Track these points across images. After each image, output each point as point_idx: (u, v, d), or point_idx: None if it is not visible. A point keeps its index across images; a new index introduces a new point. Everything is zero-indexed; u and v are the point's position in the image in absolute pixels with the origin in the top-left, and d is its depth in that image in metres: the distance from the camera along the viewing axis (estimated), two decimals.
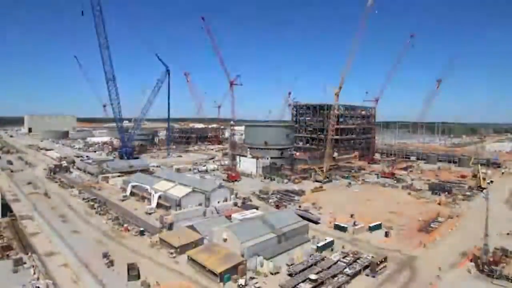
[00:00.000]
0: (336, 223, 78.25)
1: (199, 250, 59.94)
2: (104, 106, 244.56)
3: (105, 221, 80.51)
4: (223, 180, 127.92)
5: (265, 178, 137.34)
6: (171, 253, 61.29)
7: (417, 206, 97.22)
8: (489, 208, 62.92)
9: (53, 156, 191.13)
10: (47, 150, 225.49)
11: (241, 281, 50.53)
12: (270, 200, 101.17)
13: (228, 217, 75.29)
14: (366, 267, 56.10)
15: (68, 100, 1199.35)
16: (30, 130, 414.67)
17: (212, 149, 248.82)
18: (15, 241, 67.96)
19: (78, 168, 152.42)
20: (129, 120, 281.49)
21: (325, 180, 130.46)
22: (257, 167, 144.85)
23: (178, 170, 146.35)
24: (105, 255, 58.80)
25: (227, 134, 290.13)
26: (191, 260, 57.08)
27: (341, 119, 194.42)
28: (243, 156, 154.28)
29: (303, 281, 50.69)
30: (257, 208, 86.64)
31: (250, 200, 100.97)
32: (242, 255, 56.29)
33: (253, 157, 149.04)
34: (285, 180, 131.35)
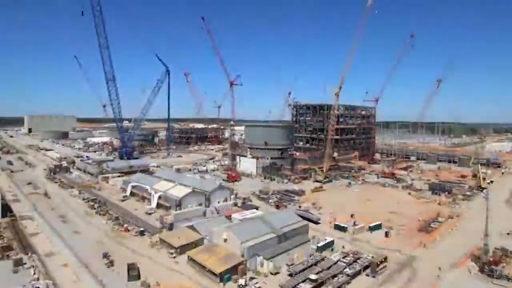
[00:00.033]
0: (336, 223, 78.24)
1: (199, 250, 59.94)
2: (104, 106, 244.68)
3: (105, 221, 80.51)
4: (223, 180, 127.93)
5: (265, 178, 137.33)
6: (171, 253, 61.28)
7: (417, 206, 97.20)
8: (489, 208, 62.81)
9: (53, 157, 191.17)
10: (47, 150, 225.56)
11: (241, 281, 50.55)
12: (270, 200, 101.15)
13: (228, 217, 75.28)
14: (366, 267, 56.10)
15: (68, 100, 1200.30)
16: (30, 130, 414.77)
17: (212, 149, 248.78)
18: (15, 241, 67.97)
19: (78, 168, 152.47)
20: (129, 120, 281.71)
21: (325, 180, 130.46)
22: (257, 167, 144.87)
23: (178, 170, 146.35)
24: (105, 255, 58.82)
25: (227, 134, 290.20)
26: (191, 260, 57.08)
27: (341, 119, 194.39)
28: (243, 156, 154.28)
29: (303, 281, 50.68)
30: (257, 208, 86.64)
31: (250, 200, 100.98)
32: (242, 255, 56.32)
33: (253, 157, 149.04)
34: (285, 180, 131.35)
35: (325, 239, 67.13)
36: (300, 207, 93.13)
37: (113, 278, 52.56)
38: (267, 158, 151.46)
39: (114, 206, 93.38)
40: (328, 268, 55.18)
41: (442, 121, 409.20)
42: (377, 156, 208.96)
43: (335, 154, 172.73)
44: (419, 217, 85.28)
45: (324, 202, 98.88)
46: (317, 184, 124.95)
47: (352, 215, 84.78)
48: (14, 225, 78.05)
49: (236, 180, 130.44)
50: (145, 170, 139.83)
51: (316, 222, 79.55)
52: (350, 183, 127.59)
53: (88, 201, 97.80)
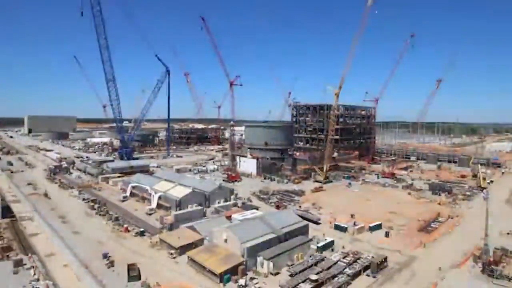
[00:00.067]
0: (336, 223, 78.22)
1: (199, 250, 59.92)
2: (104, 106, 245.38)
3: (105, 222, 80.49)
4: (223, 180, 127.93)
5: (265, 178, 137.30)
6: (171, 254, 61.27)
7: (417, 206, 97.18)
8: (489, 208, 62.79)
9: (53, 157, 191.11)
10: (47, 150, 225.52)
11: (241, 282, 50.54)
12: (270, 201, 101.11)
13: (228, 218, 75.26)
14: (366, 267, 56.08)
15: (68, 101, 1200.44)
16: (30, 130, 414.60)
17: (212, 150, 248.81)
18: (15, 242, 68.10)
19: (78, 169, 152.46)
20: (129, 120, 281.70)
21: (325, 180, 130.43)
22: (257, 168, 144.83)
23: (178, 170, 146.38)
24: (105, 256, 58.82)
25: (227, 135, 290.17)
26: (191, 260, 57.06)
27: (341, 119, 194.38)
28: (243, 156, 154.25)
29: (303, 281, 50.66)
30: (257, 208, 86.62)
31: (250, 201, 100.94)
32: (242, 256, 56.29)
33: (253, 158, 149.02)
34: (285, 181, 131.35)
35: (325, 239, 67.10)
36: (300, 207, 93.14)
37: (113, 279, 52.53)
38: (267, 158, 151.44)
39: (114, 206, 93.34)
40: (328, 268, 55.16)
41: (442, 121, 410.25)
42: (377, 156, 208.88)
43: (335, 154, 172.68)
44: (419, 217, 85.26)
45: (324, 202, 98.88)
46: (317, 184, 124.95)
47: (352, 215, 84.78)
48: (14, 226, 78.18)
49: (236, 181, 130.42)
50: (145, 171, 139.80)
51: (316, 222, 79.51)
52: (350, 183, 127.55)
53: (88, 201, 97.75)
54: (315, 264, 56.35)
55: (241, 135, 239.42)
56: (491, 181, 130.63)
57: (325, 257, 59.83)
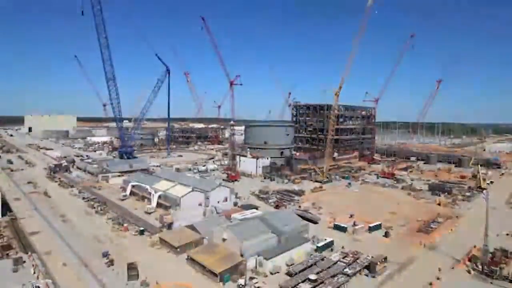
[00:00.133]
0: (336, 223, 78.25)
1: (199, 250, 59.99)
2: (104, 105, 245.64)
3: (105, 221, 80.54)
4: (223, 180, 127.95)
5: (265, 178, 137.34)
6: (171, 253, 61.23)
7: (417, 207, 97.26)
8: (488, 209, 62.79)
9: (53, 156, 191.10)
10: (47, 149, 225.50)
11: (241, 281, 50.52)
12: (270, 200, 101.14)
13: (228, 217, 75.29)
14: (366, 267, 56.13)
15: (68, 100, 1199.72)
16: (30, 129, 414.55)
17: (212, 149, 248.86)
18: (15, 240, 68.05)
19: (78, 168, 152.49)
20: (129, 119, 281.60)
21: (325, 180, 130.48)
22: (257, 167, 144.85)
23: (178, 170, 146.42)
24: (105, 255, 58.84)
25: (227, 134, 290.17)
26: (191, 260, 57.09)
27: (341, 119, 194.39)
28: (243, 156, 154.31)
29: (302, 281, 50.70)
30: (257, 208, 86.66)
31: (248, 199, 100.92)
32: (242, 255, 56.33)
33: (253, 157, 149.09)
34: (285, 180, 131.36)
35: (325, 239, 67.09)
36: (300, 207, 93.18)
37: (112, 278, 52.57)
38: (267, 158, 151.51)
39: (114, 205, 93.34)
40: (328, 268, 55.20)
41: (442, 122, 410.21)
42: (377, 156, 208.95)
43: (335, 154, 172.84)
44: (419, 217, 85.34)
45: (323, 202, 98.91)
46: (317, 184, 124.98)
47: (351, 215, 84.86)
48: (14, 224, 78.15)
49: (236, 180, 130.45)
50: (145, 170, 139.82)
51: (316, 222, 79.53)
52: (350, 183, 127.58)
53: (88, 200, 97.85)
54: (315, 264, 56.37)
55: (241, 134, 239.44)
56: (491, 182, 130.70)
57: (325, 257, 59.86)
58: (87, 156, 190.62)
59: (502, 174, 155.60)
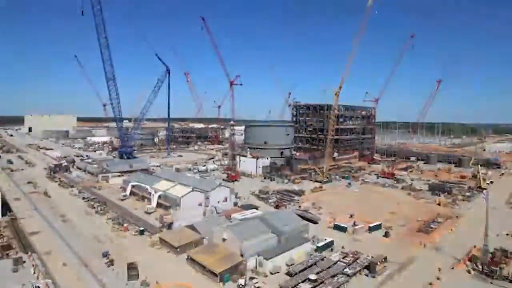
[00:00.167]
0: (336, 223, 78.25)
1: (199, 250, 59.99)
2: (104, 105, 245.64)
3: (105, 221, 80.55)
4: (223, 180, 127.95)
5: (265, 178, 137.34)
6: (171, 253, 61.23)
7: (417, 207, 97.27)
8: (488, 209, 62.81)
9: (53, 156, 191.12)
10: (47, 149, 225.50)
11: (241, 281, 50.52)
12: (270, 200, 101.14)
13: (228, 217, 75.29)
14: (366, 267, 56.14)
15: (68, 100, 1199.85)
16: (30, 129, 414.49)
17: (212, 149, 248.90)
18: (15, 240, 68.07)
19: (78, 168, 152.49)
20: (129, 119, 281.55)
21: (325, 180, 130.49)
22: (257, 167, 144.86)
23: (178, 170, 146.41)
24: (105, 255, 58.84)
25: (227, 134, 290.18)
26: (191, 260, 57.09)
27: (341, 119, 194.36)
28: (243, 156, 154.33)
29: (302, 281, 50.70)
30: (257, 208, 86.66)
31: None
32: (242, 255, 56.32)
33: (253, 157, 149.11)
34: (285, 180, 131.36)
35: (325, 239, 67.09)
36: (300, 207, 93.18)
37: (112, 278, 52.58)
38: (267, 158, 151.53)
39: (114, 205, 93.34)
40: (328, 268, 55.21)
41: (442, 122, 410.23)
42: (377, 156, 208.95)
43: (335, 154, 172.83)
44: (419, 217, 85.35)
45: (324, 202, 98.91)
46: (317, 184, 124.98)
47: (351, 215, 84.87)
48: (14, 224, 78.16)
49: (236, 180, 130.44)
50: (145, 170, 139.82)
51: (316, 222, 79.54)
52: (350, 183, 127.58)
53: (88, 200, 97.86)
54: (315, 264, 56.38)
55: (241, 134, 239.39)
56: (491, 182, 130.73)
57: (325, 257, 59.87)
58: (87, 156, 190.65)
59: (502, 174, 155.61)
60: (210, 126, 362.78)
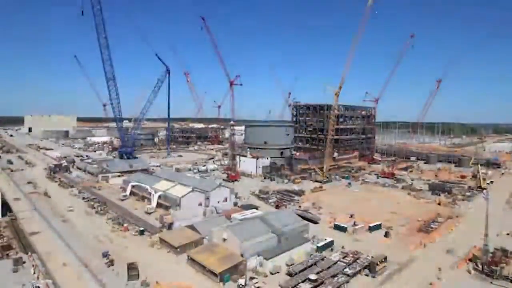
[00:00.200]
0: (336, 223, 78.26)
1: (199, 250, 59.97)
2: (104, 105, 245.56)
3: (105, 221, 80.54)
4: (223, 180, 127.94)
5: (265, 178, 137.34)
6: (171, 253, 61.20)
7: (417, 206, 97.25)
8: (489, 209, 62.82)
9: (53, 156, 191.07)
10: (47, 149, 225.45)
11: (241, 281, 50.50)
12: (270, 200, 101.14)
13: (228, 217, 75.29)
14: (366, 267, 56.12)
15: (68, 100, 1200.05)
16: (30, 129, 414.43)
17: (212, 149, 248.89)
18: (15, 240, 68.08)
19: (78, 168, 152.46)
20: (129, 119, 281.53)
21: (325, 180, 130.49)
22: (257, 167, 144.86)
23: (178, 170, 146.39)
24: (105, 255, 58.82)
25: (227, 134, 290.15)
26: (191, 260, 57.09)
27: (341, 119, 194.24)
28: (243, 156, 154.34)
29: (303, 281, 50.69)
30: (257, 208, 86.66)
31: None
32: (242, 255, 56.31)
33: (253, 157, 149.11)
34: (285, 180, 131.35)
35: (325, 239, 67.09)
36: (300, 207, 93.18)
37: (113, 278, 52.56)
38: (267, 158, 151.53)
39: (114, 205, 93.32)
40: (328, 268, 55.21)
41: (442, 121, 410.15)
42: (377, 156, 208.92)
43: (335, 154, 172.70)
44: (419, 217, 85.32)
45: (324, 202, 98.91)
46: (317, 184, 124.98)
47: (351, 215, 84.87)
48: (14, 224, 78.16)
49: (236, 180, 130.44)
50: (145, 170, 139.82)
51: (316, 222, 79.54)
52: (350, 183, 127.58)
53: (88, 200, 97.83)
54: (315, 264, 56.37)
55: (241, 134, 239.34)
56: (491, 182, 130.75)
57: (325, 257, 59.87)
58: (87, 156, 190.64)
59: (502, 173, 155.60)
60: (210, 126, 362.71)
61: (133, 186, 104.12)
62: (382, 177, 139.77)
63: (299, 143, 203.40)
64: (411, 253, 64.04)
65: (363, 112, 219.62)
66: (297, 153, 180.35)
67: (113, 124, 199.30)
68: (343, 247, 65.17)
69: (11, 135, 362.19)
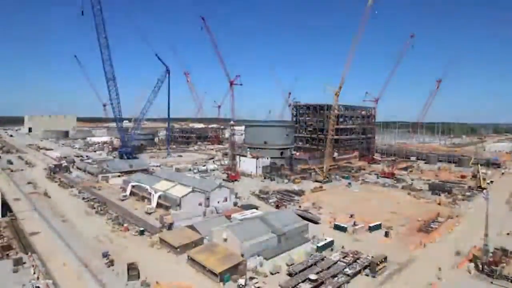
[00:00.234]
0: (336, 223, 78.26)
1: (199, 250, 59.96)
2: (104, 105, 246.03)
3: (105, 221, 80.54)
4: (223, 180, 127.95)
5: (265, 178, 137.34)
6: (171, 253, 61.20)
7: (417, 206, 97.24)
8: (489, 209, 62.82)
9: (53, 156, 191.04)
10: (47, 149, 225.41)
11: (241, 281, 50.51)
12: (270, 200, 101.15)
13: (228, 217, 75.29)
14: (366, 267, 56.12)
15: (68, 100, 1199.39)
16: (30, 129, 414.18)
17: (212, 149, 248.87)
18: (15, 240, 68.01)
19: (78, 168, 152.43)
20: (129, 120, 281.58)
21: (325, 180, 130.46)
22: (257, 167, 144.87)
23: (178, 170, 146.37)
24: (105, 255, 58.82)
25: (227, 134, 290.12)
26: (191, 260, 57.10)
27: (341, 119, 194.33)
28: (243, 156, 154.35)
29: (303, 281, 50.69)
30: (257, 208, 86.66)
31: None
32: (242, 255, 56.32)
33: (253, 157, 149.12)
34: (285, 180, 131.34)
35: (325, 239, 67.11)
36: (300, 207, 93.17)
37: (113, 278, 52.57)
38: (267, 158, 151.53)
39: (114, 205, 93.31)
40: (328, 268, 55.21)
41: (442, 121, 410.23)
42: (377, 156, 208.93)
43: (335, 154, 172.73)
44: (419, 217, 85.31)
45: (324, 202, 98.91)
46: (317, 184, 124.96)
47: (352, 215, 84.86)
48: (14, 225, 78.10)
49: (236, 180, 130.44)
50: (145, 170, 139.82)
51: (316, 222, 79.53)
52: (350, 183, 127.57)
53: (88, 200, 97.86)
54: (315, 264, 56.37)
55: (241, 134, 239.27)
56: (491, 182, 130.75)
57: (325, 257, 59.87)
58: (87, 156, 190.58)
59: (502, 173, 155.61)
60: (210, 126, 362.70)
61: (133, 186, 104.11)
62: (382, 177, 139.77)
63: (299, 143, 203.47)
64: (411, 253, 64.04)
65: (363, 112, 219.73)
66: (297, 153, 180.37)
67: (113, 124, 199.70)
68: (343, 247, 65.17)
69: (11, 135, 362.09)
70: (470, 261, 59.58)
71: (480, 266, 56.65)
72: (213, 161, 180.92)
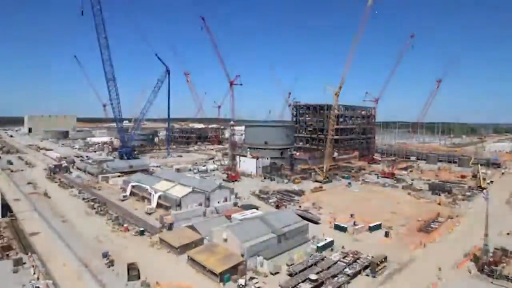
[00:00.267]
0: (336, 223, 78.25)
1: (199, 250, 59.94)
2: (104, 106, 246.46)
3: (105, 221, 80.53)
4: (223, 180, 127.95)
5: (265, 178, 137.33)
6: (171, 253, 61.17)
7: (417, 206, 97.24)
8: (489, 208, 62.83)
9: (53, 156, 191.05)
10: (47, 150, 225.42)
11: (241, 281, 50.50)
12: (270, 200, 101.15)
13: (228, 217, 75.27)
14: (366, 267, 56.10)
15: (68, 100, 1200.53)
16: (30, 130, 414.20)
17: (212, 149, 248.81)
18: (15, 241, 68.00)
19: (78, 168, 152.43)
20: (129, 120, 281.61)
21: (325, 180, 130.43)
22: (257, 167, 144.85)
23: (178, 170, 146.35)
24: (105, 255, 58.81)
25: (227, 134, 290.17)
26: (191, 260, 57.08)
27: (341, 119, 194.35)
28: (243, 156, 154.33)
29: (303, 281, 50.67)
30: (257, 208, 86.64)
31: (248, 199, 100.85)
32: (242, 255, 56.29)
33: (253, 157, 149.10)
34: (285, 180, 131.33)
35: (325, 239, 67.10)
36: (300, 207, 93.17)
37: (113, 278, 52.56)
38: (267, 158, 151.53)
39: (114, 206, 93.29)
40: (328, 268, 55.18)
41: (442, 121, 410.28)
42: (377, 156, 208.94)
43: (335, 154, 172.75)
44: (419, 217, 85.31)
45: (324, 202, 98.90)
46: (317, 184, 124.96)
47: (352, 215, 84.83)
48: (14, 225, 78.10)
49: (236, 180, 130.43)
50: (145, 170, 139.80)
51: (316, 222, 79.53)
52: (350, 183, 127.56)
53: (88, 201, 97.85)
54: (315, 264, 56.35)
55: (241, 134, 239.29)
56: (491, 182, 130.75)
57: (325, 257, 59.85)
58: (87, 156, 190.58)
59: (502, 173, 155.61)
60: (210, 126, 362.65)
61: (133, 187, 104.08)
62: (382, 177, 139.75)
63: (299, 143, 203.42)
64: (411, 253, 64.02)
65: (363, 112, 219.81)
66: (297, 153, 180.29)
67: (113, 125, 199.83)
68: (343, 247, 65.16)
69: (11, 136, 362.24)
70: (470, 261, 59.59)
71: (480, 266, 56.63)
72: (213, 161, 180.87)
